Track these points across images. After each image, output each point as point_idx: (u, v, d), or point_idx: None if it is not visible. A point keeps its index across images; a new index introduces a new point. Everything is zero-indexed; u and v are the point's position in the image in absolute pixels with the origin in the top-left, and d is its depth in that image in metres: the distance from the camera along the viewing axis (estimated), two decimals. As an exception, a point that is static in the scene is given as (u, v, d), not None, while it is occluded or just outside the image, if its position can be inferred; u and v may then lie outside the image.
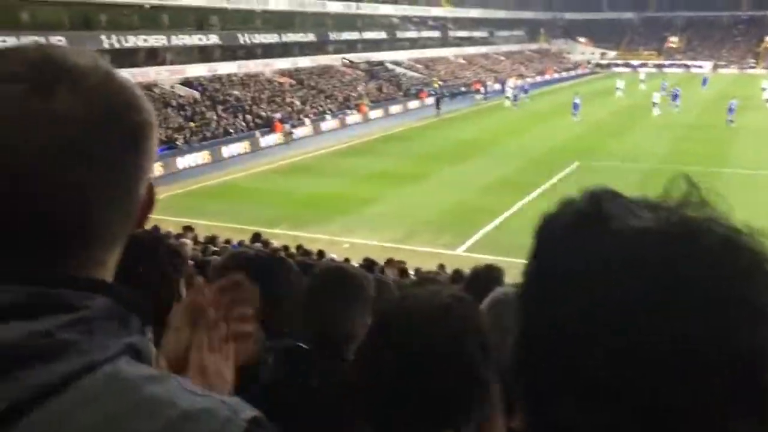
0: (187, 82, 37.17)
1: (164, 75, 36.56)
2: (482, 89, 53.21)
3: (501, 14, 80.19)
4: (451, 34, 68.90)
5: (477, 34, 74.00)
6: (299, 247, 13.59)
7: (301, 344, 2.35)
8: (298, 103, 40.29)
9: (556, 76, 70.38)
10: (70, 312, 0.68)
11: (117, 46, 34.60)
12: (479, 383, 1.35)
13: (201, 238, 13.74)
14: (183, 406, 0.67)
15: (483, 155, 29.76)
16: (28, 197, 0.68)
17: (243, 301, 0.97)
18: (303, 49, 48.43)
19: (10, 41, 25.30)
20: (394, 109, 45.32)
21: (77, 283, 0.70)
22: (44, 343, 0.65)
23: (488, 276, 4.00)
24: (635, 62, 79.08)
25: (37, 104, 0.68)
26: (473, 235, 18.70)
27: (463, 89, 54.86)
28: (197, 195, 23.99)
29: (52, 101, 0.68)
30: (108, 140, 0.71)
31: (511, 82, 53.29)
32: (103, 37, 33.95)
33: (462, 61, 65.39)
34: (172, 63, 38.62)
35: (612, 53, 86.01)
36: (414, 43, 62.18)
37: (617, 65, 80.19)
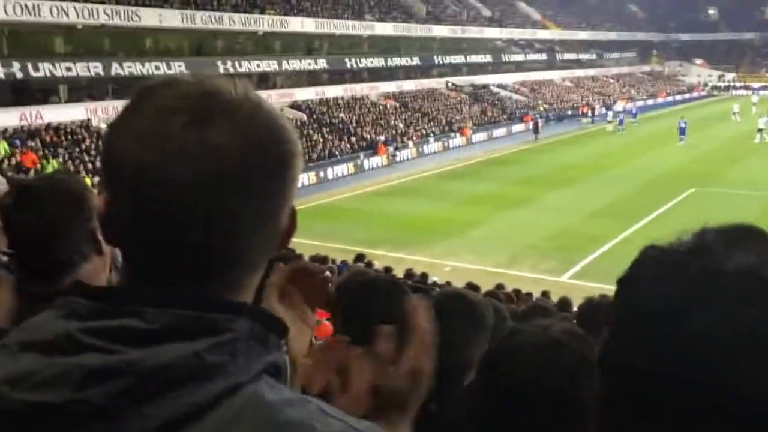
0: (295, 105, 38.35)
1: (274, 98, 37.86)
2: (589, 112, 51.89)
3: (611, 36, 78.15)
4: (558, 56, 67.73)
5: (585, 56, 72.37)
6: (407, 271, 13.60)
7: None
8: (401, 125, 40.68)
9: (669, 99, 67.67)
10: (217, 335, 0.71)
11: (231, 70, 36.16)
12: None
13: (307, 258, 14.00)
14: (320, 430, 0.69)
15: (589, 180, 28.93)
16: (184, 225, 0.72)
17: (310, 289, 1.00)
18: (408, 72, 48.95)
19: (135, 67, 26.96)
20: (498, 132, 44.93)
21: (224, 307, 0.74)
22: (195, 365, 0.68)
23: (604, 307, 3.81)
24: (756, 84, 74.88)
25: (195, 135, 0.71)
26: (579, 262, 18.13)
27: (569, 112, 53.73)
28: (303, 215, 24.14)
29: (209, 133, 0.71)
30: (258, 169, 0.74)
31: (618, 106, 51.65)
32: (218, 62, 35.60)
33: (569, 84, 64.11)
34: (281, 87, 40.00)
35: (730, 75, 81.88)
36: (519, 66, 61.54)
37: (736, 88, 76.24)
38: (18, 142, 24.50)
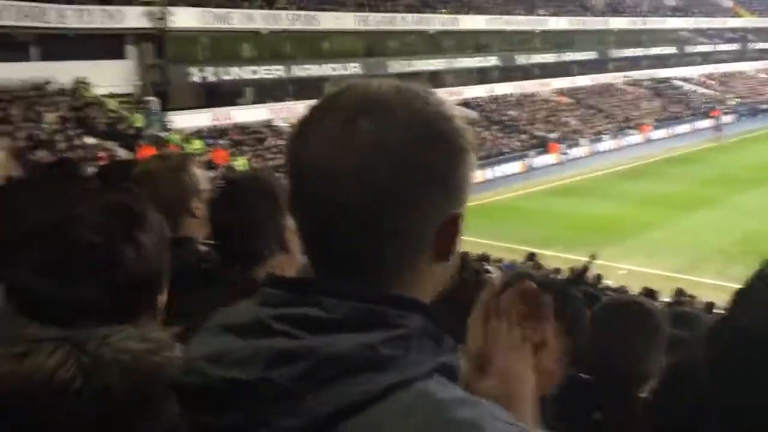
0: (465, 103, 38.33)
1: (444, 97, 37.88)
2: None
3: (815, 21, 70.56)
4: (751, 46, 62.12)
5: (784, 45, 65.90)
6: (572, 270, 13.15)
7: (582, 375, 2.22)
8: (574, 122, 39.35)
9: None
10: (391, 329, 0.73)
11: (402, 70, 36.92)
12: None
13: (473, 256, 13.95)
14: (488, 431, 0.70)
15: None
16: (361, 226, 0.76)
17: (540, 314, 0.97)
18: (582, 67, 47.21)
19: (313, 69, 28.27)
20: (681, 129, 42.09)
21: (398, 302, 0.76)
22: (370, 356, 0.71)
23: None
24: None
25: (372, 137, 0.75)
26: (773, 269, 16.51)
27: (764, 107, 49.13)
28: (470, 213, 24.26)
29: (386, 134, 0.75)
30: (431, 169, 0.77)
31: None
32: (390, 62, 36.45)
33: (764, 76, 58.62)
34: (451, 85, 40.15)
35: None
36: (706, 58, 57.13)
37: None
38: (210, 141, 26.64)
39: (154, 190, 2.14)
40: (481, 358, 0.94)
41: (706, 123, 42.55)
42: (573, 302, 2.32)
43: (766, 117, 46.12)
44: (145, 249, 1.07)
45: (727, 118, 43.12)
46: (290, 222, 1.74)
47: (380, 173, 0.75)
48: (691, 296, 11.29)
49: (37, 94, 23.37)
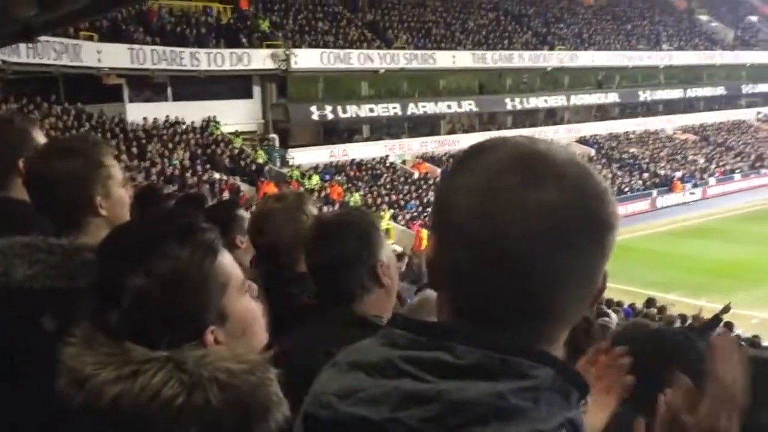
0: (582, 140, 37.43)
1: (561, 133, 37.40)
2: None
3: None
4: None
5: None
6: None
7: None
8: (701, 161, 37.46)
9: None
10: (522, 379, 0.74)
11: (519, 107, 36.59)
12: None
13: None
14: None
15: None
16: (511, 275, 0.76)
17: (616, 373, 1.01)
18: (710, 103, 45.03)
19: (429, 106, 28.70)
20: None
21: (530, 354, 0.76)
22: (500, 405, 0.72)
23: None
24: None
25: (531, 194, 0.75)
26: None
27: None
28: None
29: (543, 193, 0.75)
30: (583, 230, 0.77)
31: None
32: (507, 99, 36.23)
33: None
34: (569, 122, 39.35)
35: None
36: None
37: None
38: (327, 177, 27.39)
39: (274, 228, 2.24)
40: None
41: None
42: (695, 353, 2.15)
43: None
44: (141, 289, 1.04)
45: None
46: (386, 257, 1.81)
47: (545, 242, 0.75)
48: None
49: (170, 132, 24.96)
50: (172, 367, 0.98)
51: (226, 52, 27.66)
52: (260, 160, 26.64)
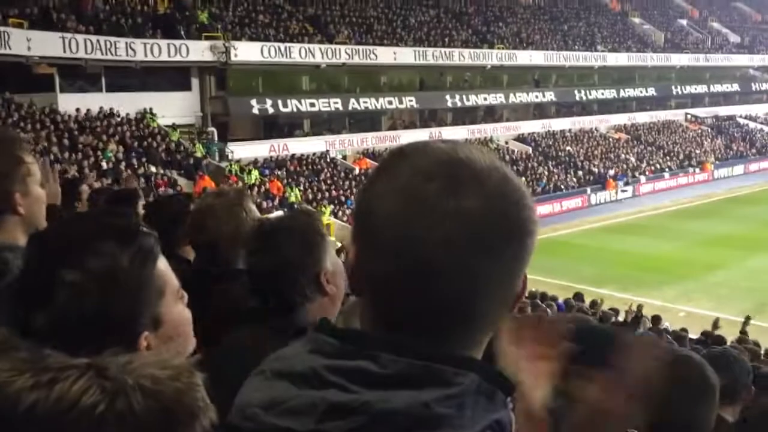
0: (521, 138, 38.14)
1: (500, 131, 38.02)
2: None
3: None
4: (821, 84, 60.18)
5: None
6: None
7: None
8: (633, 159, 38.67)
9: None
10: (446, 387, 0.74)
11: (459, 104, 37.01)
12: None
13: (527, 293, 13.71)
14: None
15: None
16: (430, 282, 0.76)
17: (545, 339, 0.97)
18: (642, 104, 46.50)
19: (370, 102, 28.66)
20: (745, 168, 40.87)
21: (454, 360, 0.76)
22: (424, 414, 0.71)
23: None
24: None
25: (451, 202, 0.76)
26: (844, 317, 15.74)
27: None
28: (524, 249, 24.15)
29: (462, 199, 0.76)
30: (503, 236, 0.78)
31: None
32: (447, 96, 36.59)
33: (834, 115, 56.65)
34: (508, 120, 40.03)
35: None
36: (773, 96, 55.54)
37: None
38: (267, 171, 27.13)
39: (214, 224, 2.23)
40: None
41: (772, 162, 41.25)
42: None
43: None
44: (78, 285, 1.03)
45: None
46: (330, 265, 1.77)
47: (462, 251, 0.75)
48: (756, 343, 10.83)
49: (104, 124, 24.27)
50: (93, 374, 0.94)
51: (164, 42, 27.03)
52: (198, 154, 26.18)
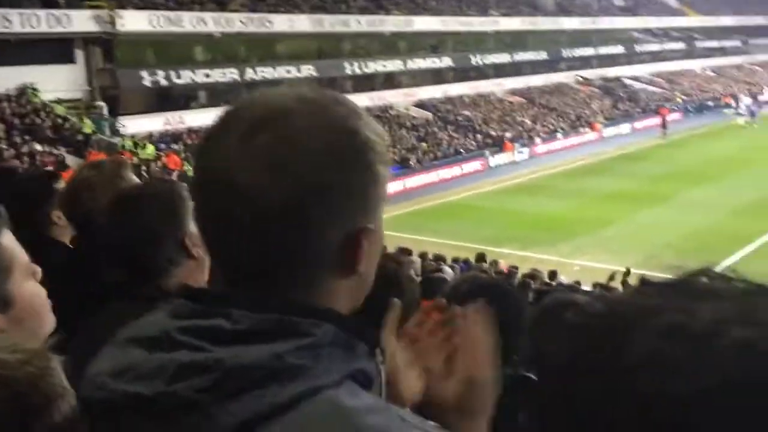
0: (420, 104, 38.50)
1: (399, 98, 38.21)
2: (733, 103, 48.59)
3: (759, 20, 72.70)
4: (698, 44, 63.79)
5: (728, 43, 67.72)
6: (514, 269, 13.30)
7: (529, 375, 2.24)
8: (528, 122, 39.86)
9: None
10: (300, 338, 0.73)
11: (358, 72, 36.88)
12: None
13: (430, 256, 14.00)
14: None
15: (732, 176, 27.09)
16: (250, 228, 0.75)
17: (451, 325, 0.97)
18: (535, 67, 47.85)
19: (268, 71, 28.07)
20: (631, 126, 42.98)
21: (307, 311, 0.75)
22: (277, 366, 0.71)
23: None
24: None
25: (252, 147, 0.74)
26: (722, 262, 16.96)
27: (710, 104, 50.53)
28: (427, 214, 24.63)
29: (266, 140, 0.75)
30: (318, 182, 0.75)
31: (747, 98, 47.92)
32: (346, 64, 36.37)
33: (710, 74, 60.30)
34: (407, 86, 40.28)
35: None
36: (655, 57, 58.45)
37: None
38: (162, 145, 26.21)
39: (91, 198, 2.11)
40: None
41: (655, 120, 43.52)
42: (512, 303, 2.34)
43: (712, 113, 47.41)
44: None
45: (674, 116, 44.24)
46: (195, 228, 1.73)
47: (273, 190, 0.74)
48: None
49: (-20, 101, 22.71)
50: None
51: (42, 12, 25.37)
52: (87, 130, 24.92)
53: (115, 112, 27.56)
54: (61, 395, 0.95)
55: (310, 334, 0.73)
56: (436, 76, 42.37)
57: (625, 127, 42.60)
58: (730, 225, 19.99)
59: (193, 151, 0.79)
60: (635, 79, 53.05)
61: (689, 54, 61.94)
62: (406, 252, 14.69)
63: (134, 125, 27.09)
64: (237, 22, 31.72)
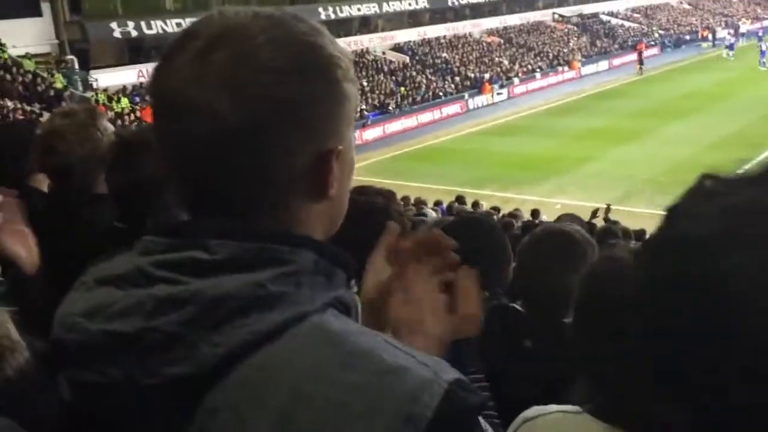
0: (397, 48, 37.98)
1: (376, 42, 37.65)
2: (710, 36, 48.44)
3: (734, -49, 71.93)
4: (675, -22, 63.15)
5: (705, -25, 67.07)
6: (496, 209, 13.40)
7: (516, 305, 2.28)
8: (506, 62, 39.54)
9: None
10: (281, 266, 0.71)
11: (333, 16, 36.17)
12: None
13: (412, 200, 14.06)
14: (387, 360, 0.68)
15: (709, 110, 27.20)
16: (212, 150, 0.72)
17: (444, 258, 0.93)
18: (512, 6, 47.18)
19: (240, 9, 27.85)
20: (609, 63, 42.79)
21: (288, 239, 0.73)
22: (259, 294, 0.69)
23: None
24: None
25: (208, 64, 0.71)
26: (699, 195, 17.19)
27: (687, 38, 50.33)
28: (408, 158, 24.60)
29: (220, 57, 0.71)
30: (277, 99, 0.72)
31: (743, 27, 47.74)
32: (320, 9, 35.66)
33: (687, 6, 59.80)
34: (383, 30, 39.65)
35: None
36: (632, -9, 57.88)
37: None
38: (137, 99, 25.77)
39: (65, 147, 2.09)
40: (376, 302, 0.92)
41: (632, 56, 43.30)
42: (497, 235, 2.38)
43: (689, 48, 47.26)
44: None
45: (651, 51, 44.03)
46: None
47: (226, 109, 0.70)
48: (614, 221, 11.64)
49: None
50: None
51: (4, -36, 24.54)
52: (59, 85, 24.41)
53: (86, 66, 26.97)
54: (11, 350, 0.91)
55: (291, 261, 0.72)
56: (413, 19, 41.70)
57: (603, 64, 42.37)
58: (708, 158, 20.17)
59: (151, 73, 0.77)
60: (612, 15, 52.54)
61: (666, -13, 61.30)
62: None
63: (107, 79, 26.55)
64: (207, -33, 30.88)
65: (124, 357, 0.69)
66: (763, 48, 36.54)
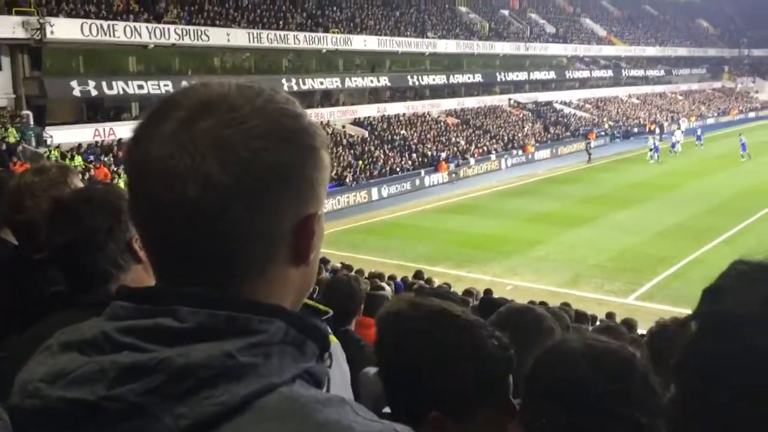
0: (357, 122, 38.68)
1: (337, 115, 38.31)
2: (657, 130, 50.71)
3: (680, 52, 76.20)
4: (625, 72, 66.38)
5: (653, 72, 70.67)
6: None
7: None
8: (463, 142, 40.53)
9: (741, 117, 65.34)
10: (251, 335, 0.70)
11: (296, 88, 36.77)
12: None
13: (366, 274, 14.01)
14: (357, 430, 0.67)
15: (656, 200, 28.16)
16: (187, 220, 0.71)
17: None
18: (470, 89, 48.80)
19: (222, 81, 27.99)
20: (561, 150, 44.26)
21: (258, 308, 0.72)
22: (228, 365, 0.67)
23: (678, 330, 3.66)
24: (836, 101, 71.51)
25: (194, 131, 0.71)
26: (645, 283, 17.59)
27: (636, 130, 52.55)
28: (362, 231, 24.67)
29: (203, 130, 0.71)
30: (263, 165, 0.72)
31: (683, 124, 49.79)
32: (284, 80, 36.28)
33: (635, 101, 62.74)
34: (344, 104, 40.43)
35: (809, 91, 78.46)
36: (584, 83, 60.59)
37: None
38: (91, 157, 25.45)
39: (33, 204, 2.05)
40: None
41: (583, 144, 44.82)
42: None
43: (637, 139, 49.26)
44: None
45: (599, 141, 45.74)
46: None
47: (218, 174, 0.70)
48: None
49: None
50: None
51: (-33, 16, 24.45)
52: (11, 139, 24.01)
53: (41, 122, 26.66)
54: None
55: (261, 331, 0.70)
56: (373, 95, 42.69)
57: (555, 150, 43.80)
58: (653, 247, 20.76)
59: (127, 144, 0.77)
60: (565, 104, 54.71)
61: (616, 82, 64.32)
62: (346, 267, 14.69)
63: (63, 135, 26.25)
64: (173, 33, 31.24)
65: (83, 426, 0.67)
66: (743, 140, 38.45)
